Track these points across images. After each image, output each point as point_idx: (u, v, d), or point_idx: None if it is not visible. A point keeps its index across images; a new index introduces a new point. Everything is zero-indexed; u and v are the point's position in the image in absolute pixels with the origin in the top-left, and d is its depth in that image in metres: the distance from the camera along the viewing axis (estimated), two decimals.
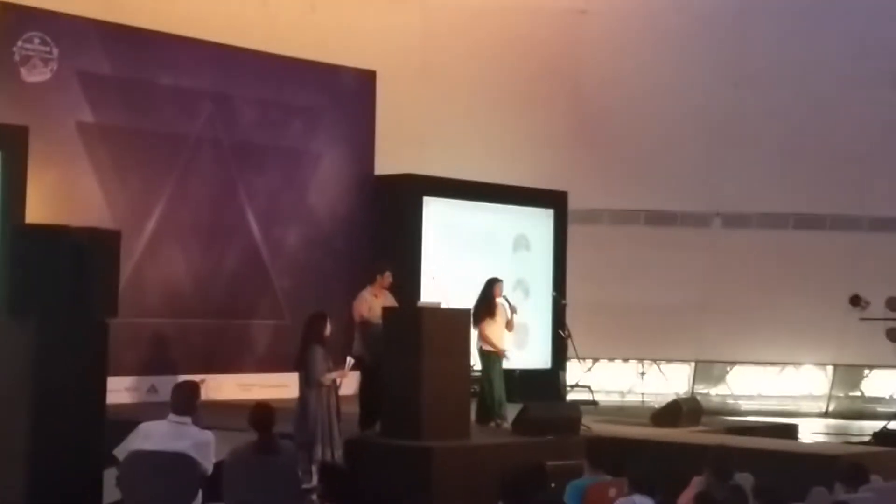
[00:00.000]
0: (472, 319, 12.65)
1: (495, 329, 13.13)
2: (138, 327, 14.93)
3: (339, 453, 11.11)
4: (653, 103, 19.93)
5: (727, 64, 19.89)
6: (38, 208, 13.38)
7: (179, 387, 8.77)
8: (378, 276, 12.57)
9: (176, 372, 14.93)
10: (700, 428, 14.09)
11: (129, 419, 8.75)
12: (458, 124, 18.85)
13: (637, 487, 7.31)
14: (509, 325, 13.28)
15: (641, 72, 19.87)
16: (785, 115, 19.93)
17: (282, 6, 17.55)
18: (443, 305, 12.43)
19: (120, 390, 14.05)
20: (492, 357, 13.14)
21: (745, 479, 8.42)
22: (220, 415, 11.48)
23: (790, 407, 20.59)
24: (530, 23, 19.44)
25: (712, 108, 19.93)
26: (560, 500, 6.54)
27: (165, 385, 12.97)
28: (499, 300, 13.22)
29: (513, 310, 13.33)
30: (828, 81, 19.97)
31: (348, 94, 17.45)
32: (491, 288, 13.20)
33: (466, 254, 17.53)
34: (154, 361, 15.00)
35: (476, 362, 12.83)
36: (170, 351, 15.31)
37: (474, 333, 12.80)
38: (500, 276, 13.44)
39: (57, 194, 14.12)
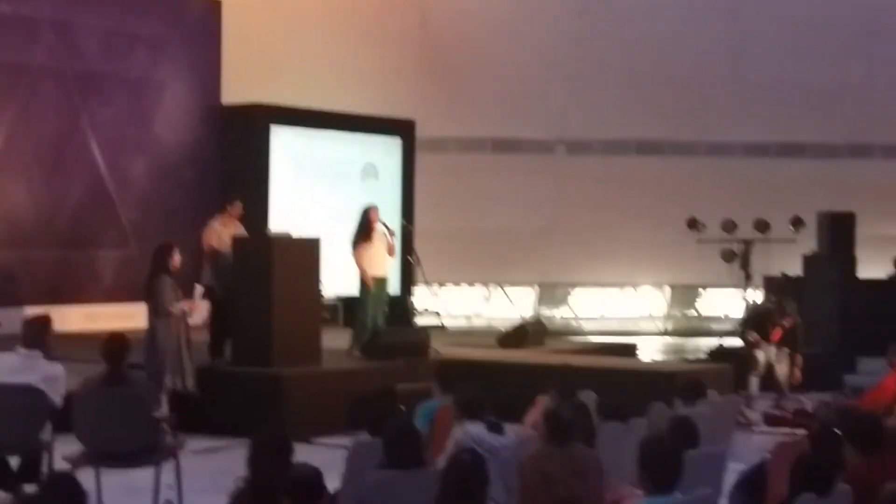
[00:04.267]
0: (351, 247, 12.90)
1: (373, 255, 13.21)
2: None
3: (191, 382, 11.18)
4: (499, 32, 20.15)
5: None
6: None
7: (30, 320, 8.75)
8: (228, 207, 12.61)
9: (21, 303, 14.73)
10: (545, 349, 14.52)
11: None
12: (306, 53, 18.80)
13: (464, 411, 7.43)
14: (390, 250, 13.39)
15: (488, 1, 20.05)
16: (627, 44, 20.37)
17: None
18: (293, 235, 12.57)
19: None
20: (365, 282, 13.23)
21: (588, 397, 8.76)
22: (67, 346, 11.41)
23: (630, 327, 21.25)
24: None
25: (557, 37, 20.24)
26: (410, 422, 6.76)
27: (9, 317, 12.82)
28: (377, 226, 13.30)
29: (391, 233, 13.44)
30: (668, 13, 20.46)
31: (193, 22, 17.26)
32: (367, 214, 13.29)
33: (315, 183, 17.58)
34: None
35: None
36: (14, 283, 15.10)
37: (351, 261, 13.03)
38: (373, 203, 13.53)
39: None
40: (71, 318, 15.14)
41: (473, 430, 7.31)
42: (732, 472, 7.45)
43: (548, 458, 6.36)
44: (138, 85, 16.55)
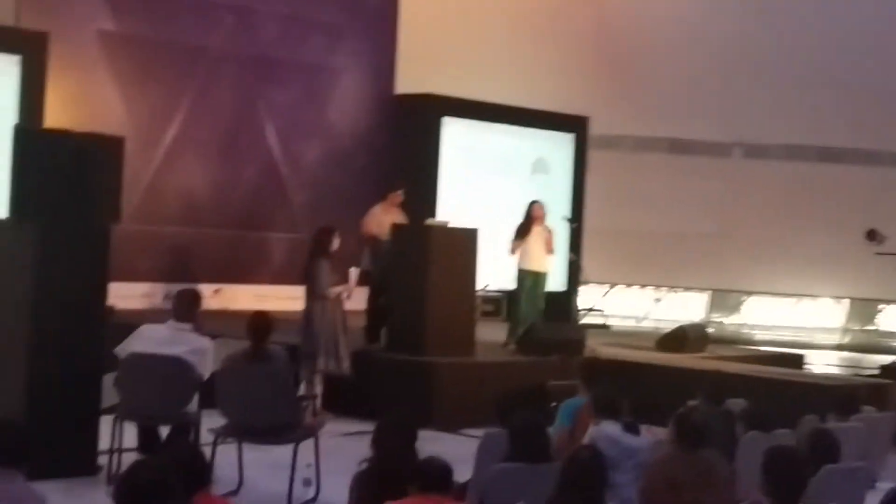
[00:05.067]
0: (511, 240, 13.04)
1: (530, 249, 13.20)
2: (156, 235, 15.12)
3: (346, 364, 11.27)
4: (676, 31, 19.77)
5: None
6: (57, 115, 13.45)
7: (181, 294, 8.95)
8: (389, 194, 12.69)
9: (192, 280, 15.07)
10: (704, 354, 14.19)
11: (142, 325, 8.88)
12: (481, 46, 18.76)
13: (601, 410, 7.28)
14: (548, 246, 13.32)
15: None
16: (809, 46, 19.73)
17: None
18: (452, 225, 12.57)
19: (136, 296, 14.27)
20: (522, 276, 13.25)
21: (736, 405, 8.54)
22: (233, 324, 11.67)
23: (804, 338, 20.63)
24: None
25: (735, 37, 19.75)
26: (536, 416, 6.65)
27: None
28: (539, 222, 13.27)
29: (550, 231, 13.39)
30: (852, 14, 19.76)
31: (371, 11, 17.41)
32: (530, 209, 13.32)
33: (485, 176, 17.56)
34: (170, 269, 15.13)
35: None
36: (187, 259, 15.46)
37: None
38: (538, 199, 13.54)
39: (76, 101, 14.17)
40: (240, 298, 15.48)
41: (609, 430, 7.15)
42: (881, 492, 7.12)
43: (675, 463, 6.18)
44: (314, 71, 16.76)
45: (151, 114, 15.08)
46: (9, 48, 13.16)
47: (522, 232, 13.18)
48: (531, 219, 13.22)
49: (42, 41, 13.39)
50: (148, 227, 15.00)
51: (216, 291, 15.47)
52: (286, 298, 14.97)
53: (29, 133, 9.41)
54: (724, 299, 21.47)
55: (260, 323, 8.36)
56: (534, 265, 13.22)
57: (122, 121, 14.54)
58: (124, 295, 13.95)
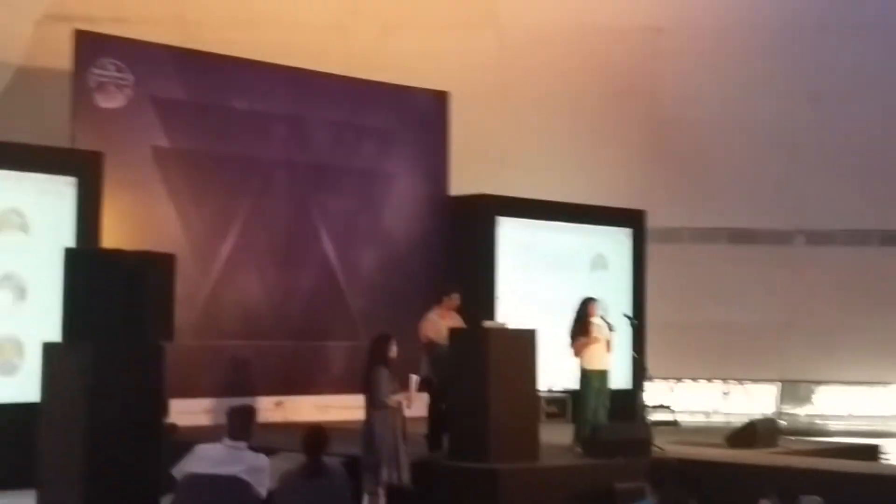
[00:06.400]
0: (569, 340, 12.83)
1: (592, 348, 12.99)
2: (216, 349, 15.11)
3: (406, 475, 11.05)
4: (730, 119, 19.67)
5: (804, 78, 19.58)
6: (114, 234, 13.55)
7: (234, 411, 8.77)
8: (444, 298, 12.56)
9: (254, 394, 15.07)
10: (776, 449, 13.81)
11: (207, 442, 8.75)
12: (534, 143, 18.78)
13: None
14: (608, 344, 13.11)
15: (718, 88, 19.61)
16: (864, 129, 19.57)
17: (358, 30, 17.70)
18: (511, 326, 12.38)
19: (198, 412, 14.21)
20: (586, 376, 13.04)
21: (811, 502, 8.26)
22: (296, 436, 11.50)
23: (879, 427, 20.13)
24: (606, 41, 19.29)
25: (791, 123, 19.62)
26: None
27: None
28: (594, 319, 13.11)
29: (611, 328, 13.21)
30: None
31: (422, 114, 17.46)
32: (585, 307, 13.13)
33: (543, 274, 17.41)
34: (232, 383, 15.08)
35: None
36: (247, 373, 15.40)
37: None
38: (594, 296, 13.36)
39: (132, 219, 14.30)
40: (303, 409, 15.38)
41: None
42: None
43: None
44: (367, 176, 16.80)
45: (207, 227, 15.15)
46: (64, 170, 13.27)
47: (581, 330, 12.97)
48: (587, 316, 13.03)
49: (97, 161, 13.51)
50: (208, 342, 14.99)
51: (278, 404, 15.39)
52: (348, 408, 14.83)
53: (80, 254, 9.43)
54: (794, 390, 21.06)
55: (314, 437, 8.18)
56: (597, 364, 12.99)
57: (178, 236, 14.65)
58: (187, 411, 13.95)
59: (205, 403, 14.53)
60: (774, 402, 20.93)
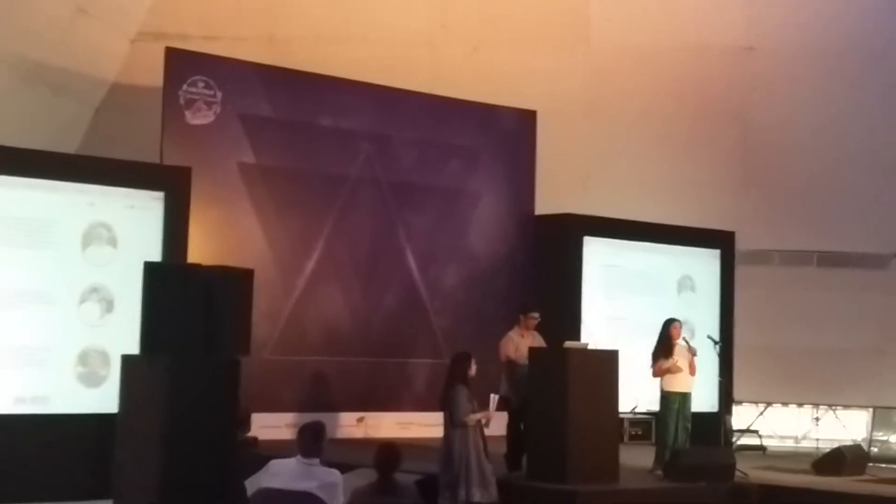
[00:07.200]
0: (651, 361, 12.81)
1: (673, 370, 12.91)
2: (298, 365, 15.20)
3: (494, 491, 11.01)
4: (823, 141, 19.30)
5: None
6: (200, 249, 13.67)
7: (305, 428, 8.78)
8: (522, 317, 12.50)
9: (336, 409, 15.17)
10: (864, 477, 13.54)
11: (289, 456, 8.78)
12: (621, 164, 18.62)
13: None
14: (691, 367, 13.00)
15: (811, 109, 19.26)
16: None
17: (446, 47, 17.72)
18: (594, 346, 12.30)
19: (280, 426, 14.26)
20: (667, 399, 12.94)
21: None
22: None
23: None
24: (696, 61, 19.05)
25: (885, 146, 19.20)
26: None
27: (326, 422, 13.06)
28: (678, 342, 13.00)
29: (692, 351, 13.09)
30: None
31: (508, 133, 17.41)
32: (667, 329, 13.06)
33: (629, 294, 17.26)
34: (314, 398, 15.16)
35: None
36: (329, 388, 15.48)
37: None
38: (677, 318, 13.23)
39: (218, 234, 14.44)
40: (384, 426, 15.41)
41: None
42: None
43: None
44: (452, 194, 16.81)
45: (292, 243, 15.26)
46: (153, 185, 13.40)
47: (663, 352, 12.86)
48: (670, 338, 12.91)
49: (185, 177, 13.62)
50: (290, 357, 15.09)
51: (360, 420, 15.45)
52: (429, 425, 14.84)
53: (160, 268, 9.53)
54: (888, 416, 20.58)
55: (387, 455, 8.20)
56: (679, 386, 12.86)
57: (263, 251, 14.77)
58: (268, 425, 14.05)
59: (287, 418, 14.55)
60: (866, 428, 20.49)
